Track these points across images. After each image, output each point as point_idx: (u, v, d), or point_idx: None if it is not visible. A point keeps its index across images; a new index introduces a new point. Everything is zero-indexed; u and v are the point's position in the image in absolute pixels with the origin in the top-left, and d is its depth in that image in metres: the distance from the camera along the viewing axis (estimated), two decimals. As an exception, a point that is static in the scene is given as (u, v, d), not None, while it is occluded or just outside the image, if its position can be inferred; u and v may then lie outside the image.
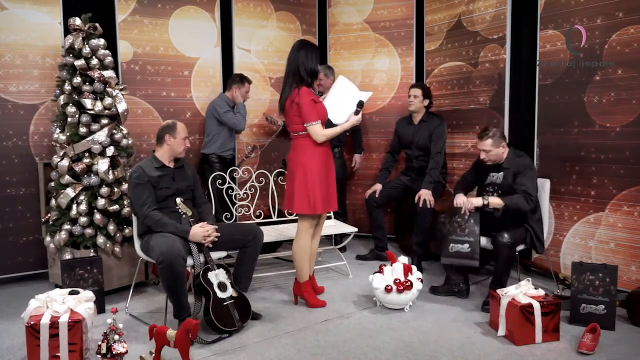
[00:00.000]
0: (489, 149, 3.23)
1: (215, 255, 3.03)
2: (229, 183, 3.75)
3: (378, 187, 4.22)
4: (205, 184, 3.90)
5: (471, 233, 3.17)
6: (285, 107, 3.11)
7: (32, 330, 2.39)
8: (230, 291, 2.89)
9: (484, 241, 3.28)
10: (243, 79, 4.24)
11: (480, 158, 3.32)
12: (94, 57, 3.44)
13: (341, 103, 3.20)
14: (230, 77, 4.33)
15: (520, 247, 3.24)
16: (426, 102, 4.14)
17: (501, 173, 3.28)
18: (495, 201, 3.18)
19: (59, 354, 2.41)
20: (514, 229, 3.15)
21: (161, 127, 3.10)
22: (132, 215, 3.10)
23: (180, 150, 3.10)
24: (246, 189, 3.82)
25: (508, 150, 3.28)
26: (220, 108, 4.16)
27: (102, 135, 3.41)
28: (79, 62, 3.38)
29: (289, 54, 3.11)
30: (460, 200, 3.26)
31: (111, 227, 3.42)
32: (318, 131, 3.04)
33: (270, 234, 3.70)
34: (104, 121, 3.45)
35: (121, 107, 3.51)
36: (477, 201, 3.22)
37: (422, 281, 3.20)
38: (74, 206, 3.37)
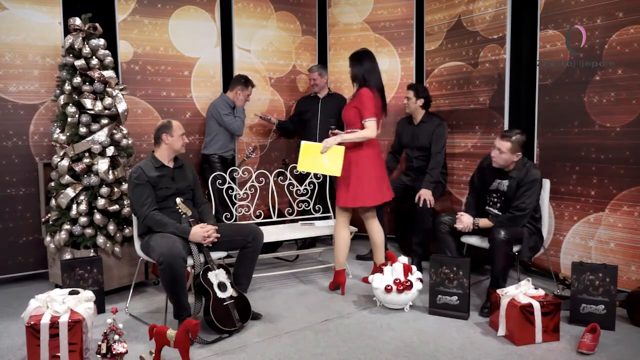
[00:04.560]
0: (504, 152, 3.12)
1: (215, 255, 3.03)
2: (229, 183, 3.75)
3: None
4: (205, 184, 3.90)
5: (460, 285, 3.04)
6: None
7: (32, 330, 2.39)
8: (230, 291, 2.89)
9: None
10: (248, 83, 4.25)
11: (491, 155, 3.23)
12: (94, 57, 3.45)
13: None
14: (235, 77, 4.33)
15: (517, 248, 3.17)
16: (420, 101, 4.11)
17: (507, 181, 3.21)
18: (485, 224, 3.18)
19: (59, 354, 2.41)
20: (511, 227, 3.11)
21: (156, 127, 3.12)
22: (132, 215, 3.10)
23: (179, 147, 3.11)
24: (246, 189, 3.82)
25: (518, 159, 3.19)
26: (222, 110, 4.17)
27: (102, 135, 3.41)
28: (79, 62, 3.38)
29: (375, 63, 3.42)
30: (460, 221, 3.26)
31: (111, 227, 3.42)
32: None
33: (270, 234, 3.69)
34: (104, 121, 3.45)
35: (121, 107, 3.51)
36: (468, 224, 3.23)
37: (422, 281, 3.20)
38: (74, 206, 3.37)
